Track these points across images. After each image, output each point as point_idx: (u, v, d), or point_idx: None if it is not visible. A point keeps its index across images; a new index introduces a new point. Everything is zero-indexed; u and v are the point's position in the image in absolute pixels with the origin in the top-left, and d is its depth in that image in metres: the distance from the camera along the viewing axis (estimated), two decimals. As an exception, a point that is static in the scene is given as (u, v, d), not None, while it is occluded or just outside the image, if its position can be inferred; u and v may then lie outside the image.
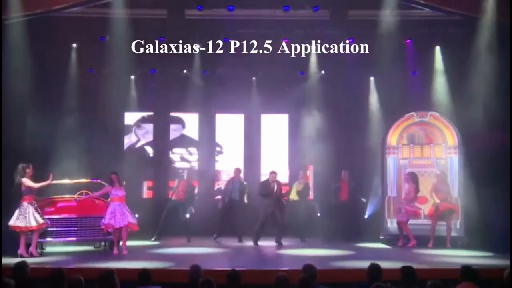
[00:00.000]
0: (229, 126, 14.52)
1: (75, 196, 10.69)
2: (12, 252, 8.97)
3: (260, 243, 11.43)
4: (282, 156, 14.48)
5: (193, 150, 14.41)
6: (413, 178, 11.50)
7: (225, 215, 12.11)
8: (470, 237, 11.32)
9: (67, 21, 11.35)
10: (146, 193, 14.14)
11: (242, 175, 12.56)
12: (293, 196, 12.59)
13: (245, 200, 12.18)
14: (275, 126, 14.67)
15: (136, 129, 14.35)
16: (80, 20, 11.66)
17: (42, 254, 9.63)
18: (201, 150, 14.39)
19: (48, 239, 9.83)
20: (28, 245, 9.26)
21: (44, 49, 11.84)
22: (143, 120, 14.42)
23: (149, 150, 14.44)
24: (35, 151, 11.61)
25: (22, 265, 6.00)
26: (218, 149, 14.39)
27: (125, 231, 9.86)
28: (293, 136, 14.37)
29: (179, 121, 14.43)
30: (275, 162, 13.86)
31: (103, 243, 10.65)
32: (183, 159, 14.40)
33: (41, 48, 11.76)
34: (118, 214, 9.76)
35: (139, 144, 14.41)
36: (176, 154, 14.40)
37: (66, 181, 11.31)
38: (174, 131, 14.37)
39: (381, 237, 11.87)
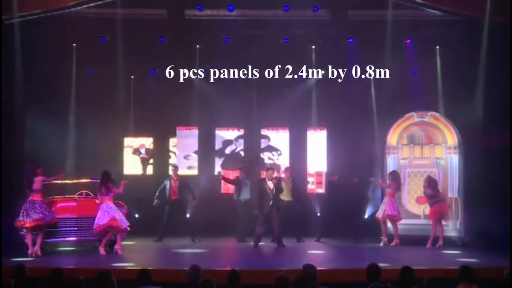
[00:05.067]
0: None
1: (75, 196, 10.70)
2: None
3: (260, 243, 11.38)
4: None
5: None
6: (394, 177, 11.57)
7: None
8: (470, 237, 11.33)
9: (67, 21, 11.35)
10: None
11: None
12: (285, 197, 11.89)
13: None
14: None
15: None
16: (80, 20, 11.65)
17: (42, 254, 9.60)
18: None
19: (48, 239, 9.81)
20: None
21: (44, 49, 11.84)
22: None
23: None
24: (35, 151, 11.63)
25: (20, 266, 5.99)
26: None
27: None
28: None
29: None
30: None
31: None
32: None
33: (41, 48, 11.76)
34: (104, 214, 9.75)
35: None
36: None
37: (66, 181, 11.31)
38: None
39: (381, 237, 11.85)
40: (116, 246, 9.91)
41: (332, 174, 12.81)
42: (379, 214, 11.59)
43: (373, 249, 11.15)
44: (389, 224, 11.64)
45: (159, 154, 14.56)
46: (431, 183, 11.26)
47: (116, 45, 12.21)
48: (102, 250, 9.74)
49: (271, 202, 11.01)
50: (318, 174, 14.27)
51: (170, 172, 12.58)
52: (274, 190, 11.03)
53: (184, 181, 12.38)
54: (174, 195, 12.10)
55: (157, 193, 12.16)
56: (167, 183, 12.16)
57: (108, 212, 9.70)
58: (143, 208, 12.81)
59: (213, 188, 13.85)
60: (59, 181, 10.99)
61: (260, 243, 11.20)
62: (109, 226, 9.70)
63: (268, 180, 11.09)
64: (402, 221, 11.64)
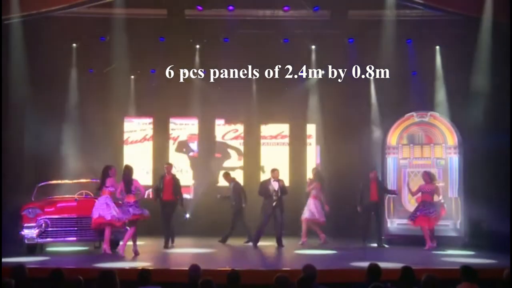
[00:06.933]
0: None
1: (75, 196, 10.69)
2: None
3: (260, 243, 11.35)
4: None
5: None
6: (320, 177, 11.70)
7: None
8: (470, 237, 11.33)
9: (67, 21, 11.36)
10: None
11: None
12: None
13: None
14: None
15: None
16: (80, 20, 11.66)
17: (42, 254, 9.59)
18: None
19: (48, 239, 9.81)
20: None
21: (44, 49, 11.84)
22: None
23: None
24: (35, 151, 11.63)
25: (20, 266, 5.98)
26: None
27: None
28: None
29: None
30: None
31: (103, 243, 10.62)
32: None
33: (41, 48, 11.77)
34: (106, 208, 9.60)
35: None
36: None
37: (66, 181, 11.31)
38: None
39: (382, 237, 11.85)
40: (104, 245, 9.72)
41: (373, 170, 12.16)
42: (305, 215, 11.44)
43: (373, 249, 11.15)
44: None
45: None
46: (430, 175, 11.16)
47: (116, 45, 12.22)
48: (107, 249, 9.64)
49: (274, 203, 10.87)
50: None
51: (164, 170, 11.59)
52: (279, 192, 10.91)
53: (177, 179, 11.49)
54: (166, 195, 11.10)
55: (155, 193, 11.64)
56: (161, 181, 11.31)
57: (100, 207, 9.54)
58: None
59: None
60: (59, 181, 11.02)
61: (260, 243, 11.21)
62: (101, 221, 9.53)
63: (274, 181, 11.02)
64: (402, 221, 11.62)
